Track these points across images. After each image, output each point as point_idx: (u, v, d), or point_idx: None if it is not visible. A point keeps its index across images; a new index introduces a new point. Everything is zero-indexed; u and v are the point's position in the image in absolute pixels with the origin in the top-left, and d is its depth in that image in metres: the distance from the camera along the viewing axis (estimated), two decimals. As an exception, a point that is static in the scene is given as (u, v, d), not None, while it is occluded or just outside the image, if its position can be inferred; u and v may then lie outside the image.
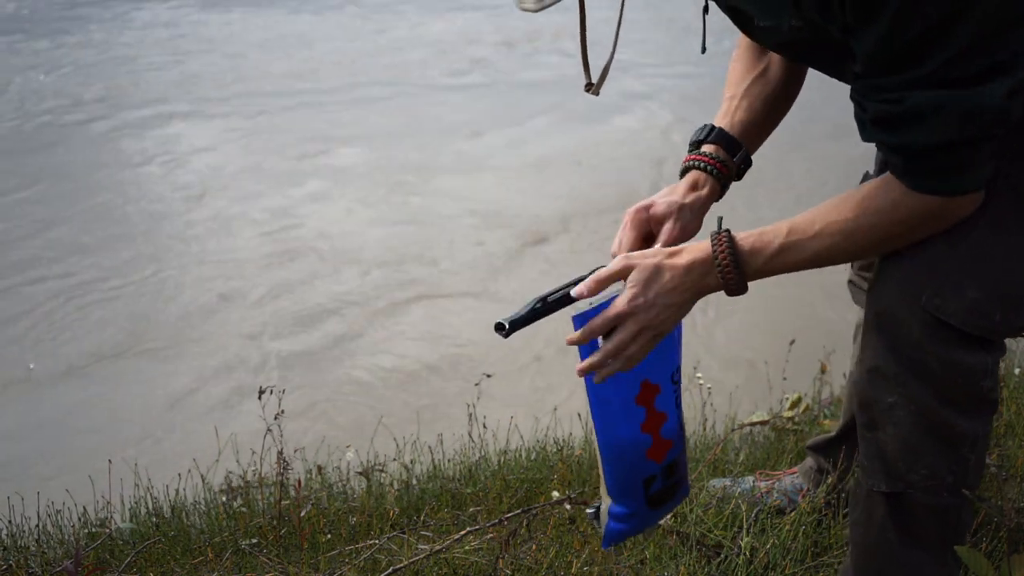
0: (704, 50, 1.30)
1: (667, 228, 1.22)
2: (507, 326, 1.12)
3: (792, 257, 1.09)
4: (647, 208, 1.24)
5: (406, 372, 3.05)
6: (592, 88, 1.07)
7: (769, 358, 2.45)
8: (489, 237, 3.97)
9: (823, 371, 2.37)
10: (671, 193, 1.26)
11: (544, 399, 2.69)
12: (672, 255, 1.11)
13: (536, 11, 0.94)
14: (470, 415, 2.12)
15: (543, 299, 1.15)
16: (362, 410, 2.80)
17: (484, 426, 2.15)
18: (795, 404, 2.19)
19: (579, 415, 2.17)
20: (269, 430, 1.86)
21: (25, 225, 4.11)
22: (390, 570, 1.51)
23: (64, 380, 3.01)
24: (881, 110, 0.97)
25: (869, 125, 1.01)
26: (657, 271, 1.10)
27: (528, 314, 1.14)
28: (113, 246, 3.90)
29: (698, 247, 1.11)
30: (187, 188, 4.47)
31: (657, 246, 1.20)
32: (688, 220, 1.24)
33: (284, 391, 2.04)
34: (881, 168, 1.22)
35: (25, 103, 5.55)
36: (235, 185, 4.51)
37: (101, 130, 5.20)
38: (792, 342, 2.38)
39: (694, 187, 1.27)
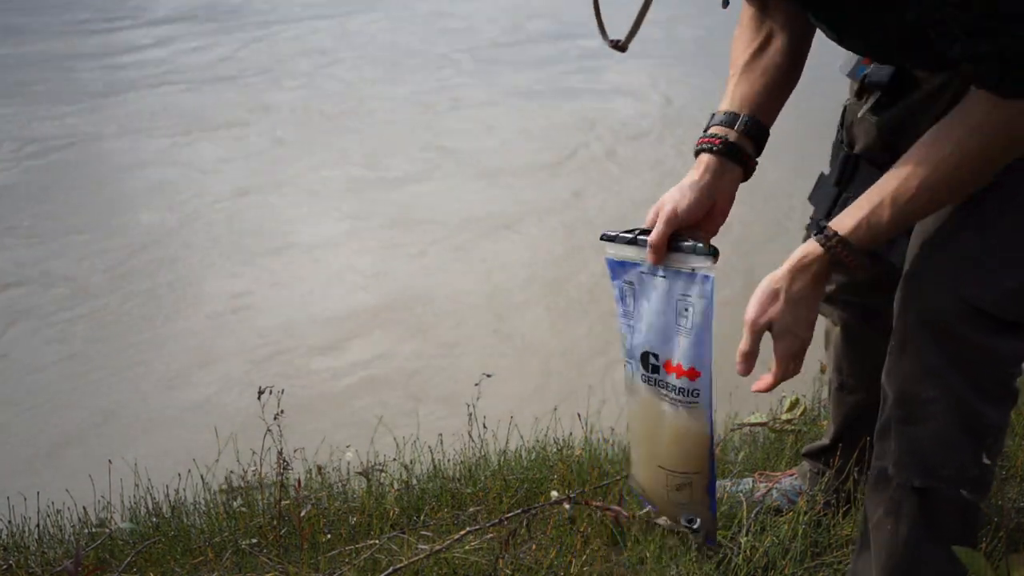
0: (726, 4, 1.25)
1: (667, 208, 1.23)
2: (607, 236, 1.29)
3: (903, 224, 1.11)
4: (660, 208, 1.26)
5: (406, 371, 3.05)
6: (619, 44, 0.98)
7: (769, 358, 2.44)
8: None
9: (822, 371, 2.36)
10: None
11: (544, 399, 2.69)
12: (793, 269, 1.17)
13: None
14: (470, 415, 2.12)
15: (645, 232, 1.25)
16: (362, 410, 2.80)
17: (484, 426, 2.15)
18: (792, 406, 2.18)
19: (579, 415, 2.17)
20: (269, 430, 1.86)
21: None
22: (390, 570, 1.51)
23: (64, 379, 3.01)
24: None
25: (962, 38, 0.96)
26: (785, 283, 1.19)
27: (629, 241, 1.27)
28: (119, 250, 3.90)
29: (814, 256, 1.14)
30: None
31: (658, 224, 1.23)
32: (691, 198, 1.23)
33: (284, 391, 2.04)
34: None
35: None
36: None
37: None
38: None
39: (696, 170, 1.26)
